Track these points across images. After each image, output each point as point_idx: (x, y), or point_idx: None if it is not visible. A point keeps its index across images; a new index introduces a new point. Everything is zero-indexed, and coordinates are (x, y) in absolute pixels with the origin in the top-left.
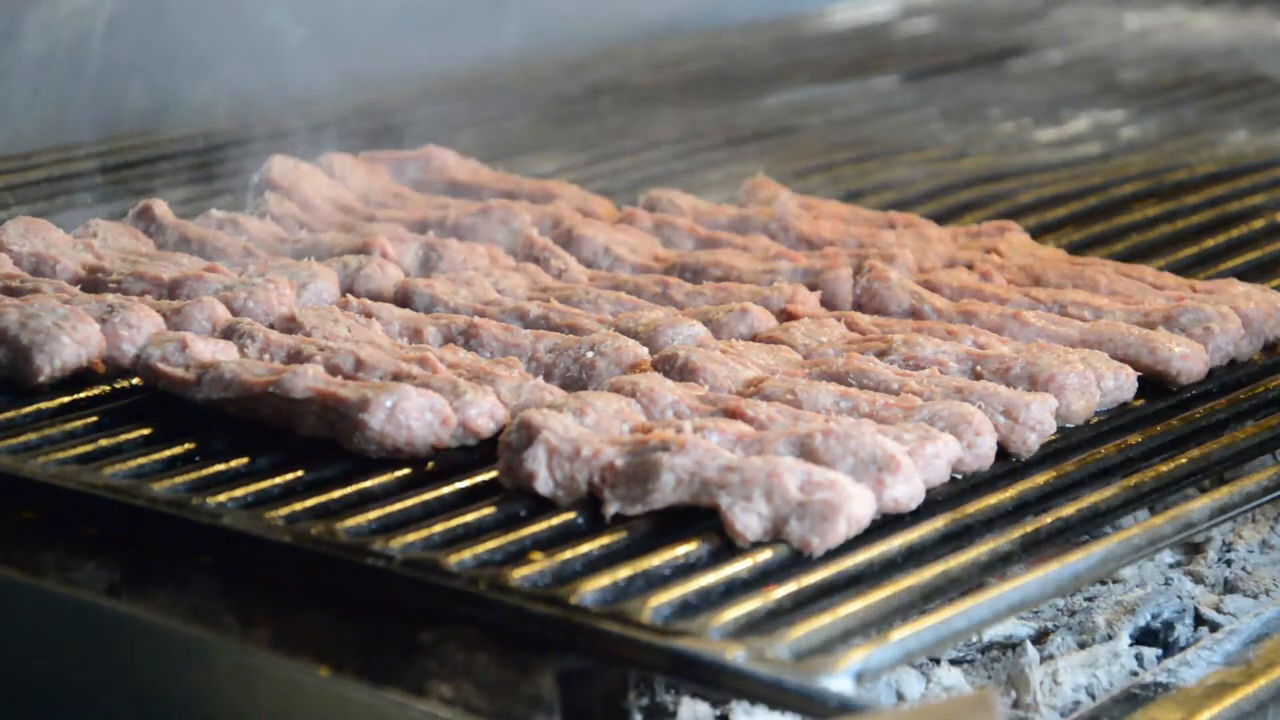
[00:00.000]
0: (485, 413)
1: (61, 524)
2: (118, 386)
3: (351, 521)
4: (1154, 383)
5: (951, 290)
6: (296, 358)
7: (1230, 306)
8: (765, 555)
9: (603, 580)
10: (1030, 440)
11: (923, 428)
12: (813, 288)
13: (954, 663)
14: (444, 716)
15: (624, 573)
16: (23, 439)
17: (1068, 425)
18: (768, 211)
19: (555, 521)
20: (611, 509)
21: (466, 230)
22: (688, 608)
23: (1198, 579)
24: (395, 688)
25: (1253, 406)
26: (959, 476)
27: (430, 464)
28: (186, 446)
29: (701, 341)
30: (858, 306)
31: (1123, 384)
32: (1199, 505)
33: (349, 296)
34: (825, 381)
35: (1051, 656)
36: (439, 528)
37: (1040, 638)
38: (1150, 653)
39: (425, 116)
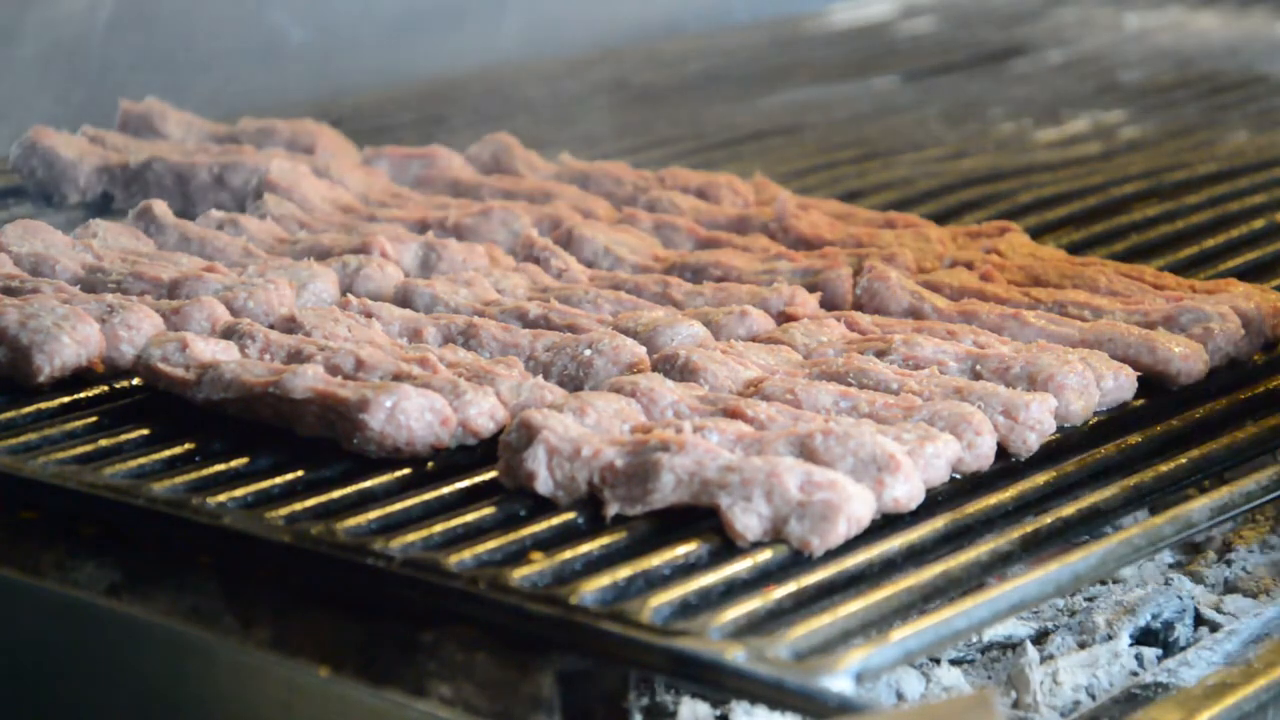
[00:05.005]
0: (485, 413)
1: (61, 524)
2: (117, 386)
3: (351, 521)
4: (1154, 383)
5: (951, 290)
6: (296, 358)
7: (1230, 306)
8: (765, 555)
9: (603, 580)
10: (1030, 440)
11: (922, 428)
12: (812, 288)
13: (954, 663)
14: (444, 716)
15: (624, 573)
16: (23, 439)
17: (1067, 425)
18: (767, 212)
19: (555, 521)
20: (611, 509)
21: (467, 231)
22: (688, 608)
23: (1198, 579)
24: (395, 688)
25: (1253, 406)
26: (959, 476)
27: (430, 464)
28: (186, 446)
29: (701, 341)
30: (858, 306)
31: (1122, 384)
32: (1199, 505)
33: (349, 296)
34: (825, 381)
35: (1051, 656)
36: (439, 528)
37: (1040, 638)
38: (1150, 653)
39: (425, 116)
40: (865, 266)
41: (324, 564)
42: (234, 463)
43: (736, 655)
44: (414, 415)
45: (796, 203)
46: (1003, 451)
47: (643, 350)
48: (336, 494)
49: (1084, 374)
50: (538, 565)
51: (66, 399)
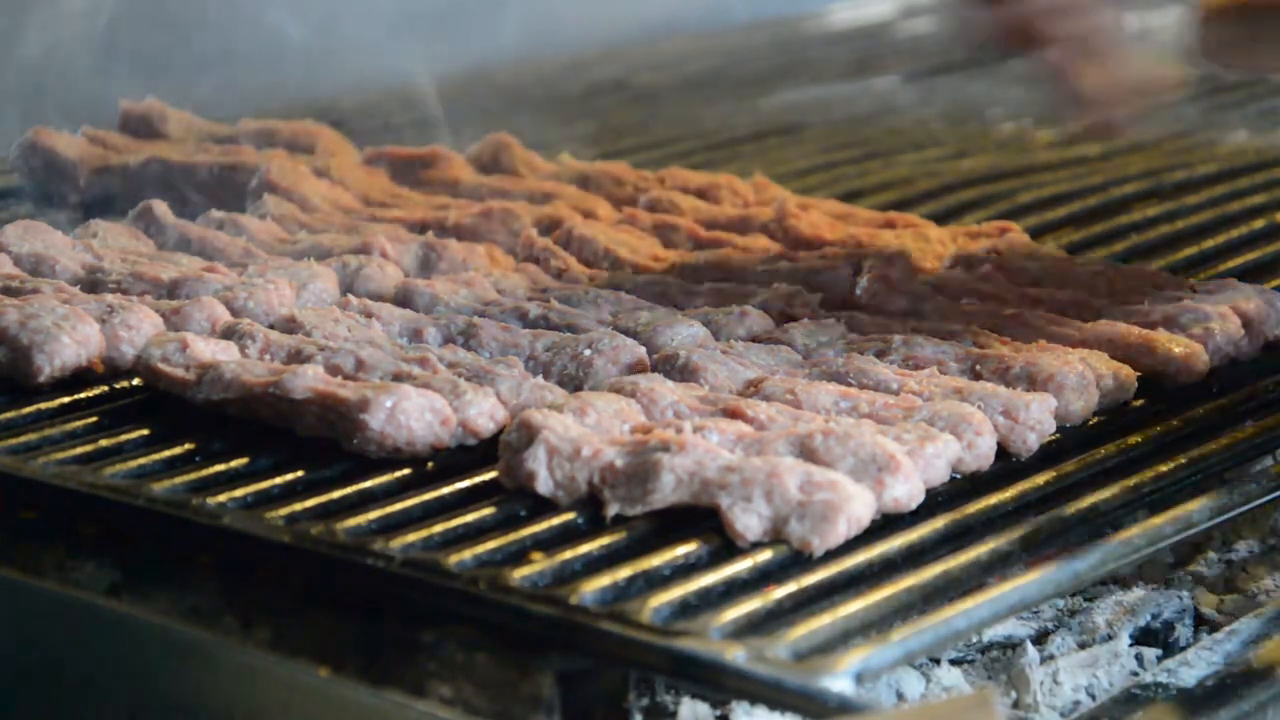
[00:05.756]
0: (485, 413)
1: (61, 524)
2: (117, 387)
3: (351, 522)
4: (1153, 383)
5: (951, 290)
6: (296, 358)
7: (1230, 306)
8: (765, 555)
9: (603, 580)
10: (1030, 440)
11: (922, 428)
12: (812, 288)
13: (954, 663)
14: (444, 717)
15: (624, 573)
16: (23, 439)
17: (1067, 425)
18: (767, 212)
19: (555, 521)
20: (611, 509)
21: (467, 231)
22: (688, 608)
23: (1198, 579)
24: (395, 688)
25: (1252, 406)
26: (959, 476)
27: (430, 464)
28: (186, 447)
29: (701, 341)
30: (857, 307)
31: (1122, 384)
32: (1199, 505)
33: (349, 296)
34: (825, 382)
35: (1052, 657)
36: (439, 528)
37: (1040, 638)
38: (1150, 653)
39: (425, 116)
40: (865, 267)
41: (324, 564)
42: (234, 463)
43: (736, 655)
44: (414, 415)
45: (796, 203)
46: (1003, 451)
47: (643, 350)
48: (336, 494)
49: (1083, 374)
50: (538, 565)
51: (66, 399)
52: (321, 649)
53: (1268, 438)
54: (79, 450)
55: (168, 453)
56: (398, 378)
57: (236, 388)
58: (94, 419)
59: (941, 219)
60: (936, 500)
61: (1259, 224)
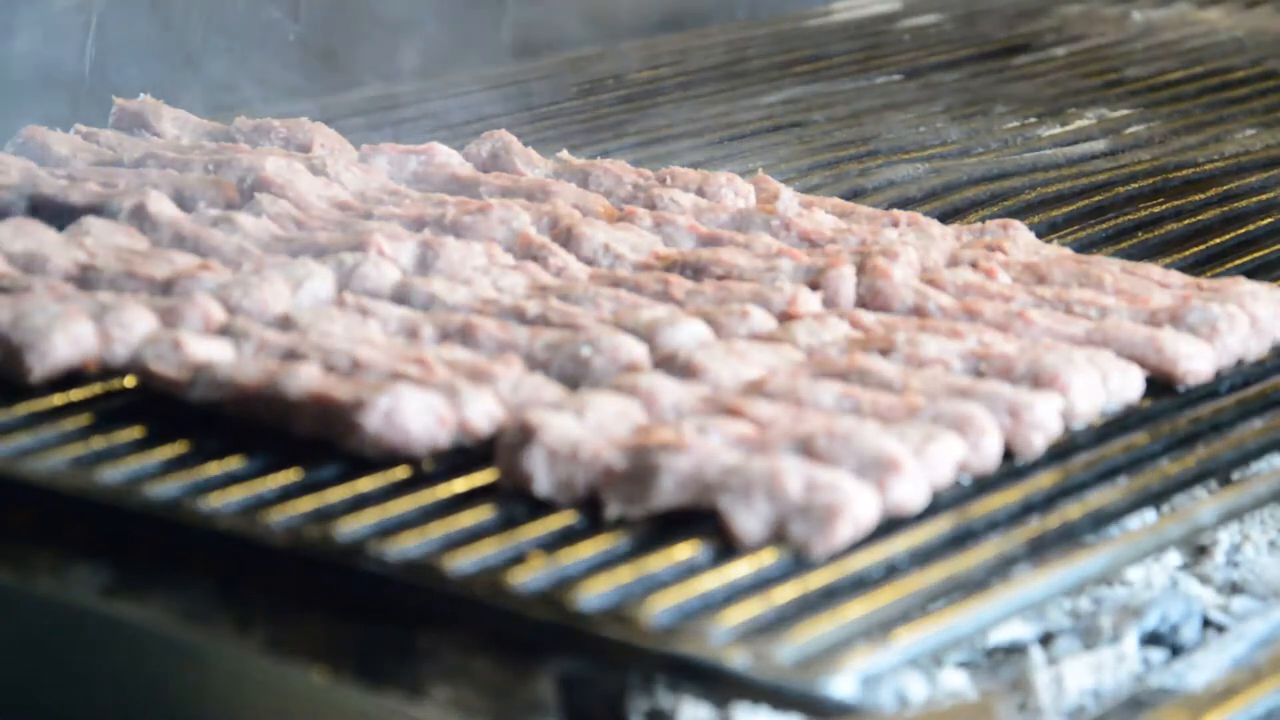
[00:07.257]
0: (483, 413)
1: (54, 526)
2: (111, 386)
3: (348, 524)
4: (1161, 382)
5: (956, 289)
6: (292, 357)
7: (1238, 305)
8: (767, 558)
9: (602, 583)
10: (1035, 441)
11: (926, 428)
12: (815, 286)
13: (958, 666)
14: None
15: (624, 575)
16: (14, 440)
17: (1073, 425)
18: (769, 209)
19: (554, 523)
20: (611, 511)
21: (465, 228)
22: (688, 611)
23: (1205, 581)
24: (392, 691)
25: (1261, 406)
26: (964, 477)
27: (427, 465)
28: (181, 448)
29: (702, 340)
30: (860, 305)
31: (1129, 384)
32: (1207, 507)
33: (345, 295)
34: (828, 381)
35: (1057, 659)
36: (436, 530)
37: (1046, 640)
38: (1157, 655)
39: (423, 113)
40: (868, 264)
41: (320, 567)
42: (229, 464)
43: (738, 659)
44: (411, 416)
45: (799, 200)
46: (1008, 452)
47: (643, 349)
48: (333, 496)
49: (1090, 373)
50: (536, 568)
51: (59, 399)
52: (318, 652)
53: (1276, 438)
54: (72, 451)
55: (162, 454)
56: (395, 377)
57: (231, 388)
58: (87, 419)
59: (946, 217)
60: (941, 502)
61: (1266, 221)
